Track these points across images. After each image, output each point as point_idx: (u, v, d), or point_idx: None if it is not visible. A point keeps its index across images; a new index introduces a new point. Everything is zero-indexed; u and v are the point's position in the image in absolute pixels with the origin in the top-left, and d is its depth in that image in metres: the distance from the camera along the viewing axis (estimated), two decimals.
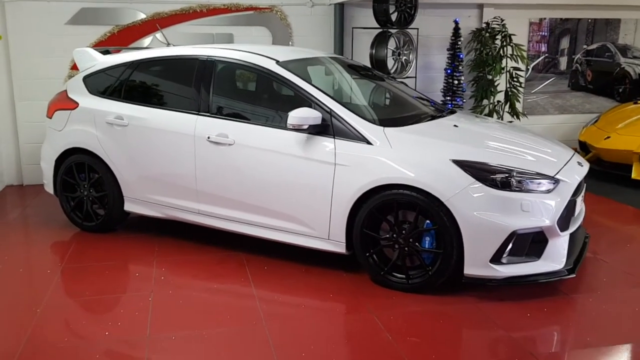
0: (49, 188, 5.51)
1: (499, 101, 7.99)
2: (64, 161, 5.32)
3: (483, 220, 3.74)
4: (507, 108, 8.00)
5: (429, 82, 8.07)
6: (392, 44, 7.30)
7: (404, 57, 7.47)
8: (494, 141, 4.27)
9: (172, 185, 4.83)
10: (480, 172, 3.81)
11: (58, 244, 5.11)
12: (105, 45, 7.02)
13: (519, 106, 8.11)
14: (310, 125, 4.11)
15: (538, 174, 3.88)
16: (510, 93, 7.95)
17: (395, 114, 4.70)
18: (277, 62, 4.53)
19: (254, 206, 4.49)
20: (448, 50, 7.78)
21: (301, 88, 4.34)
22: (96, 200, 5.24)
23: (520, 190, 3.79)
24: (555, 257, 3.89)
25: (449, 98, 7.85)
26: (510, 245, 3.79)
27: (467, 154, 3.92)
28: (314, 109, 4.22)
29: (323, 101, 4.24)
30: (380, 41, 7.34)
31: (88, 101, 5.22)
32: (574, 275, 3.95)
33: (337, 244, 4.23)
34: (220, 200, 4.62)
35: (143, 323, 3.65)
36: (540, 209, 3.79)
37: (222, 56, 4.73)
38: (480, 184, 3.77)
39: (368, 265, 4.15)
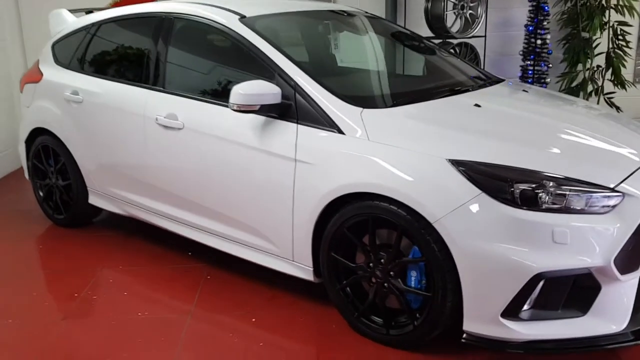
0: (26, 173, 4.81)
1: (598, 66, 6.31)
2: (33, 143, 4.57)
3: (489, 253, 2.44)
4: (608, 75, 6.30)
5: (504, 43, 6.53)
6: None
7: (469, 12, 6.01)
8: (530, 129, 2.89)
9: (127, 177, 3.90)
10: (489, 179, 2.48)
11: (19, 240, 4.37)
12: (124, 4, 6.20)
13: (625, 73, 6.36)
14: (263, 106, 2.96)
15: (585, 182, 2.49)
16: (613, 55, 6.24)
17: (397, 87, 3.41)
18: (242, 17, 3.40)
19: (208, 210, 3.45)
20: (530, 1, 6.18)
21: (261, 52, 3.18)
22: (63, 191, 4.44)
23: (555, 210, 2.44)
24: (612, 312, 2.51)
25: (529, 63, 6.28)
26: (535, 294, 2.47)
27: (475, 151, 2.60)
28: (277, 81, 3.06)
29: (287, 71, 3.07)
30: None
31: (52, 72, 4.40)
32: None
33: (303, 269, 3.10)
34: (174, 199, 3.62)
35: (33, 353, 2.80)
36: (586, 240, 2.42)
37: (181, 12, 3.66)
38: (489, 198, 2.46)
39: (338, 301, 2.99)
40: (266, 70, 3.14)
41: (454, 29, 5.99)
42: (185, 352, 2.86)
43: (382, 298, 2.82)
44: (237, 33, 3.30)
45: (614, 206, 2.47)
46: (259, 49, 3.19)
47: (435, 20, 5.96)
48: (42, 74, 4.45)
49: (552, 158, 2.61)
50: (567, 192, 2.45)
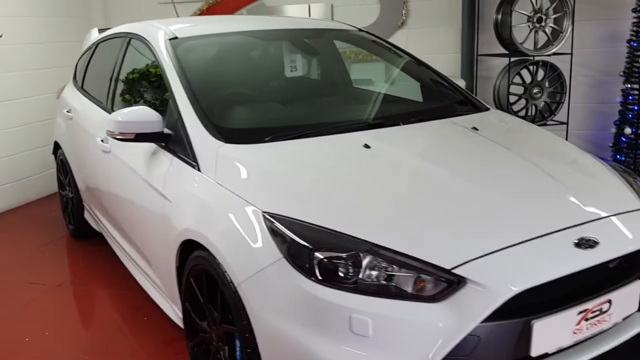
0: None
1: None
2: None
3: (284, 336, 1.94)
4: None
5: (599, 62, 5.44)
6: (524, 4, 5.02)
7: (550, 24, 5.10)
8: (402, 183, 2.28)
9: (93, 196, 3.91)
10: (293, 241, 1.98)
11: (19, 245, 4.62)
12: (208, 14, 6.32)
13: None
14: (140, 134, 2.72)
15: (414, 258, 1.86)
16: None
17: (294, 118, 2.90)
18: (172, 38, 3.18)
19: (129, 236, 3.31)
20: (634, 10, 5.06)
21: (166, 77, 2.94)
22: (71, 203, 4.60)
23: (361, 290, 1.86)
24: None
25: (631, 86, 5.14)
26: None
27: (302, 205, 2.09)
28: (170, 109, 2.82)
29: (176, 97, 2.79)
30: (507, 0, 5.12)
31: (68, 89, 4.60)
32: None
33: (178, 316, 2.79)
34: (113, 221, 3.55)
35: None
36: (396, 335, 1.81)
37: (133, 32, 3.56)
38: (289, 266, 1.95)
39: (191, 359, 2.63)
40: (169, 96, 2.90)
41: (530, 45, 5.13)
42: None
43: None
44: (158, 55, 3.10)
45: (448, 295, 1.82)
46: (166, 73, 2.96)
47: (503, 33, 5.17)
48: (62, 91, 4.68)
49: (391, 223, 2.00)
50: (381, 269, 1.86)
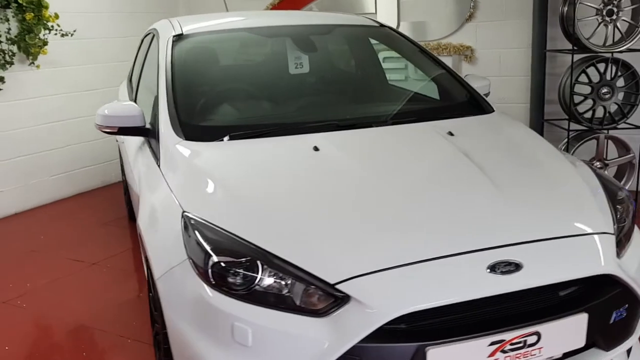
0: None
1: None
2: None
3: (184, 336, 1.96)
4: None
5: None
6: None
7: (623, 19, 4.62)
8: (335, 191, 2.15)
9: None
10: (197, 244, 1.97)
11: (86, 224, 4.99)
12: (280, 8, 6.43)
13: None
14: (122, 128, 2.84)
15: (302, 270, 1.79)
16: None
17: (264, 117, 2.85)
18: (178, 35, 3.26)
19: None
20: None
21: (158, 72, 3.04)
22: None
23: (247, 298, 1.82)
24: None
25: None
26: None
27: (221, 207, 2.09)
28: (154, 103, 2.93)
29: (159, 92, 2.88)
30: None
31: (123, 82, 4.88)
32: None
33: None
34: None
35: None
36: (275, 347, 1.76)
37: (156, 28, 3.68)
38: (190, 267, 1.96)
39: (155, 354, 2.71)
40: None
41: (599, 41, 4.67)
42: None
43: None
44: (159, 51, 3.21)
45: (332, 310, 1.74)
46: (158, 68, 3.06)
47: (568, 27, 4.74)
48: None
49: (296, 232, 1.93)
50: (275, 278, 1.81)
